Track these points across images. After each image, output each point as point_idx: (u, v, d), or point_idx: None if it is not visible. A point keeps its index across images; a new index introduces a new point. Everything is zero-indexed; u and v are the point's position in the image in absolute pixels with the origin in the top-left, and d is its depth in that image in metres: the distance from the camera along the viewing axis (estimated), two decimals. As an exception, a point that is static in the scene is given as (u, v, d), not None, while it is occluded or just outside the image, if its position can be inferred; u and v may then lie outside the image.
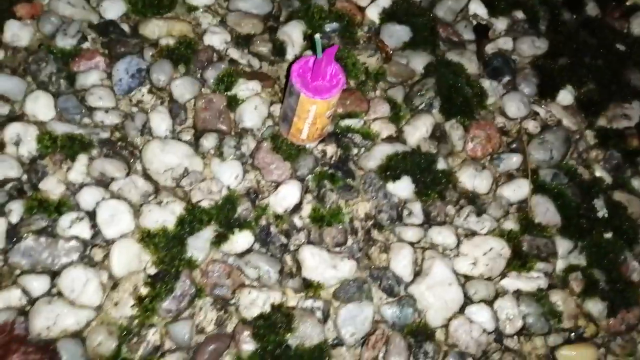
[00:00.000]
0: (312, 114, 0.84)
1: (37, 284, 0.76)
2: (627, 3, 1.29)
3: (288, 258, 0.85)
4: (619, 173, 1.05)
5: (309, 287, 0.83)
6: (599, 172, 1.04)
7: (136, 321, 0.76)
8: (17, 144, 0.85)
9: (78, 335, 0.75)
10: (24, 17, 0.94)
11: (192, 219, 0.83)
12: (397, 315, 0.84)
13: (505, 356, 0.84)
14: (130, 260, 0.79)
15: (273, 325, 0.78)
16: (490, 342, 0.85)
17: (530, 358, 0.86)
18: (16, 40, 0.92)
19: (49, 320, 0.74)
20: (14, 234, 0.79)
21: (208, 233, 0.83)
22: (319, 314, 0.81)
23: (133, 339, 0.75)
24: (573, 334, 0.90)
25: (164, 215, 0.83)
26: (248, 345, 0.77)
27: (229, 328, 0.79)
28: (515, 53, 1.14)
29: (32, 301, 0.76)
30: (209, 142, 0.91)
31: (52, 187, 0.83)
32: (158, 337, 0.76)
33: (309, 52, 1.02)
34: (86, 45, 0.95)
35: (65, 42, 0.93)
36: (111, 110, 0.90)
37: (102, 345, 0.74)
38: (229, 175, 0.89)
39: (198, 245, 0.82)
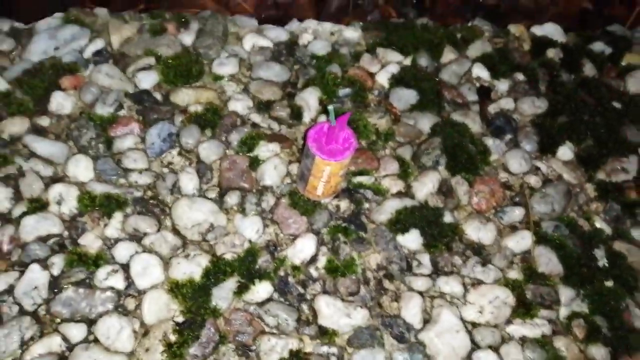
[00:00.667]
0: (327, 174, 0.93)
1: (76, 332, 0.84)
2: (623, 63, 1.38)
3: (305, 307, 0.93)
4: (619, 224, 1.12)
5: (325, 334, 0.90)
6: (599, 224, 1.11)
7: (166, 366, 0.84)
8: (59, 203, 0.95)
9: (113, 379, 0.82)
10: (67, 88, 1.06)
11: (217, 270, 0.92)
12: (408, 361, 0.90)
13: (511, 401, 0.89)
14: (160, 309, 0.88)
15: (291, 370, 0.85)
16: (497, 387, 0.91)
17: (536, 403, 0.91)
18: (60, 109, 1.04)
19: (87, 365, 0.81)
20: (55, 285, 0.88)
21: (231, 284, 0.91)
22: (333, 359, 0.88)
23: (163, 383, 0.82)
24: (578, 379, 0.94)
25: (191, 267, 0.91)
26: (268, 388, 0.83)
27: (251, 373, 0.86)
28: (517, 112, 1.23)
29: (71, 347, 0.84)
30: (232, 199, 1.00)
31: (90, 242, 0.92)
32: (185, 380, 0.83)
33: (323, 117, 1.12)
34: (122, 112, 1.06)
35: (103, 110, 1.05)
36: (144, 171, 1.00)
37: (134, 387, 0.81)
38: (250, 229, 0.97)
39: (222, 295, 0.90)
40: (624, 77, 1.35)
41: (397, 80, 1.21)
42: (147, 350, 0.84)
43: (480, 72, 1.27)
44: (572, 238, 1.07)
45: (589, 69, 1.35)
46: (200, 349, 0.85)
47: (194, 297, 0.89)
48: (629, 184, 1.18)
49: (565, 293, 1.01)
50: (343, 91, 1.17)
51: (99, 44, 1.12)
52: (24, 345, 0.83)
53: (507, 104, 1.23)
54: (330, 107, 0.85)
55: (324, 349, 0.89)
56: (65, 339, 0.84)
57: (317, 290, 0.94)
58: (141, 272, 0.90)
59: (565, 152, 1.19)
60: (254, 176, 1.04)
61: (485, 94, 1.25)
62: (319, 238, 0.99)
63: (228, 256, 0.94)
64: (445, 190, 1.09)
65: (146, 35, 1.15)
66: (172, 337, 0.86)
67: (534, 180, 1.13)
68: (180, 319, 0.88)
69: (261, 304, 0.91)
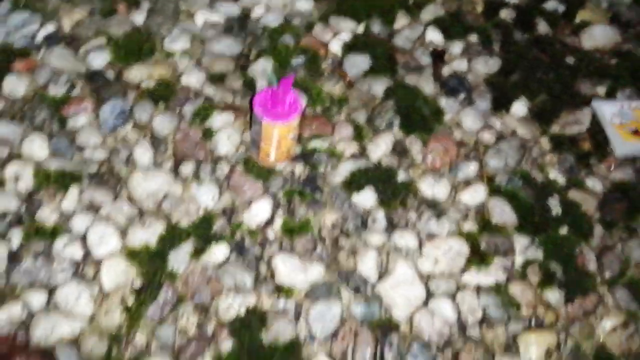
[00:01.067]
0: (276, 138, 0.96)
1: (36, 299, 0.87)
2: (577, 20, 1.41)
3: (262, 267, 0.96)
4: (573, 175, 1.15)
5: (282, 290, 0.93)
6: (552, 175, 1.14)
7: (124, 327, 0.86)
8: (16, 180, 0.97)
9: (73, 342, 0.85)
10: (20, 71, 1.09)
11: (172, 236, 0.94)
12: (364, 313, 0.93)
13: (467, 344, 0.92)
14: (118, 275, 0.90)
15: (248, 325, 0.88)
16: (452, 332, 0.93)
17: (492, 346, 0.94)
18: (14, 92, 1.07)
19: (46, 330, 0.84)
20: (15, 257, 0.91)
21: (187, 247, 0.94)
22: (291, 314, 0.91)
23: (122, 343, 0.85)
24: (533, 321, 0.97)
25: (147, 235, 0.94)
26: (226, 344, 0.86)
27: (209, 330, 0.89)
28: (471, 73, 1.26)
29: (32, 314, 0.86)
30: (187, 169, 1.03)
31: (47, 216, 0.95)
32: (144, 340, 0.86)
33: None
34: (75, 92, 1.09)
35: (56, 91, 1.07)
36: (99, 147, 1.03)
37: (94, 349, 0.84)
38: (206, 197, 1.00)
39: (178, 259, 0.93)
40: (579, 34, 1.38)
41: (350, 48, 1.24)
42: (106, 313, 0.87)
43: (434, 35, 1.30)
44: (525, 189, 1.10)
45: (542, 28, 1.38)
46: (158, 310, 0.88)
47: (150, 263, 0.92)
48: (582, 135, 1.21)
49: (520, 241, 1.04)
50: (296, 60, 1.19)
51: (50, 28, 1.15)
52: (-15, 316, 0.86)
53: (460, 65, 1.26)
54: (269, 71, 0.88)
55: (281, 304, 0.91)
56: (26, 306, 0.87)
57: (274, 251, 0.97)
58: (98, 241, 0.93)
59: (519, 108, 1.22)
60: (208, 146, 1.06)
61: (438, 56, 1.28)
62: (274, 202, 1.02)
63: (184, 222, 0.96)
64: (399, 150, 1.12)
65: (97, 17, 1.17)
66: (130, 300, 0.88)
67: (487, 137, 1.16)
68: (138, 283, 0.90)
69: (218, 266, 0.94)
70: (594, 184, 1.14)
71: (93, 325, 0.87)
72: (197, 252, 0.94)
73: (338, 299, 0.94)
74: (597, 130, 1.22)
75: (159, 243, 0.94)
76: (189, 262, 0.94)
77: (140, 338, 0.86)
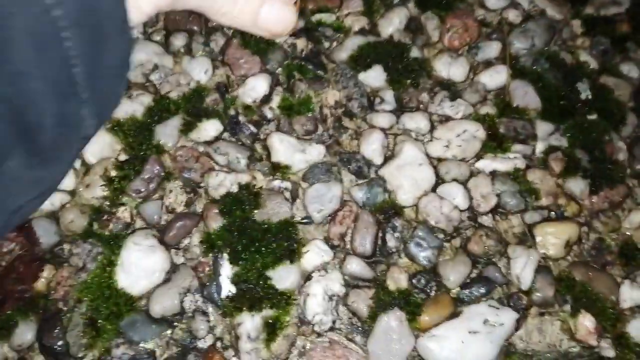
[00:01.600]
0: None
1: (13, 170, 0.81)
2: None
3: (258, 146, 0.89)
4: (607, 59, 1.04)
5: (278, 169, 0.86)
6: (584, 57, 1.03)
7: (107, 201, 0.81)
8: None
9: (53, 216, 0.80)
10: None
11: (161, 108, 0.87)
12: (366, 196, 0.86)
13: (478, 232, 0.86)
14: (102, 148, 0.84)
15: (240, 202, 0.82)
16: (462, 219, 0.87)
17: (506, 235, 0.87)
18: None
19: (23, 201, 0.79)
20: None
21: (176, 121, 0.87)
22: (287, 194, 0.85)
23: (104, 217, 0.80)
24: (553, 212, 0.90)
25: (133, 107, 0.87)
26: (216, 221, 0.81)
27: (198, 208, 0.83)
28: (498, -53, 1.13)
29: (9, 186, 0.81)
30: (179, 41, 0.94)
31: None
32: (128, 215, 0.80)
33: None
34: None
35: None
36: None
37: (74, 222, 0.79)
38: (198, 70, 0.92)
39: (166, 132, 0.86)
40: None
41: None
42: (88, 186, 0.82)
43: None
44: (552, 71, 1.00)
45: None
46: (143, 184, 0.82)
47: (136, 135, 0.85)
48: (621, 17, 1.09)
49: (543, 127, 0.95)
50: None
51: None
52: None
53: (487, -63, 1.13)
54: None
55: (276, 183, 0.85)
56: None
57: (271, 130, 0.90)
58: (80, 112, 0.86)
59: (551, -14, 1.10)
60: (202, 17, 0.97)
61: None
62: (273, 78, 0.93)
63: (173, 94, 0.89)
64: (413, 27, 1.02)
65: None
66: (113, 173, 0.83)
67: (513, 15, 1.05)
68: (122, 157, 0.84)
69: (210, 143, 0.87)
70: (630, 69, 1.03)
71: (74, 199, 0.82)
72: (187, 127, 0.87)
73: (338, 182, 0.87)
74: (637, 12, 1.09)
75: (145, 115, 0.87)
76: (178, 137, 0.87)
77: (123, 213, 0.81)
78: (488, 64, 1.00)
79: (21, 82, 0.27)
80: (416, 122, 0.92)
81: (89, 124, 0.35)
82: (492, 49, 1.01)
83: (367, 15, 1.01)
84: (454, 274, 0.82)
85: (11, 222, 0.34)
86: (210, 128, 0.87)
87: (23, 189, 0.33)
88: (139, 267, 0.76)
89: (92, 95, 0.30)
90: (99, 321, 0.73)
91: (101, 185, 0.81)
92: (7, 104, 0.28)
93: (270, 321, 0.76)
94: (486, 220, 0.88)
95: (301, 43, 0.96)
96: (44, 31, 0.26)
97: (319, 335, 0.77)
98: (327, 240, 0.83)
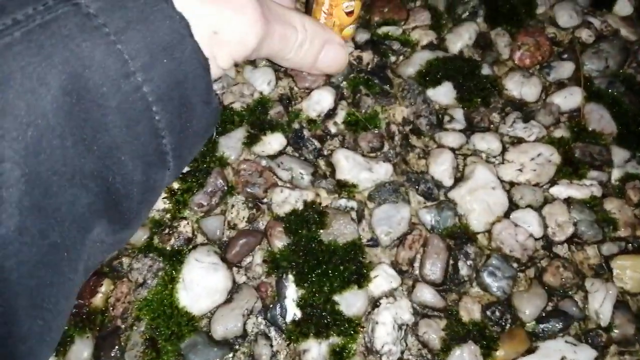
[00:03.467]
0: (327, 1, 0.82)
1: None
2: None
3: (321, 162, 0.86)
4: (685, 83, 1.01)
5: (343, 187, 0.83)
6: (661, 82, 1.00)
7: (168, 214, 0.79)
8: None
9: (111, 227, 0.78)
10: None
11: (224, 119, 0.85)
12: (435, 219, 0.83)
13: (554, 263, 0.82)
14: (162, 158, 0.82)
15: (305, 221, 0.79)
16: (537, 248, 0.83)
17: (582, 267, 0.84)
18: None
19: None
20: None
21: (240, 134, 0.85)
22: (353, 213, 0.82)
23: (165, 231, 0.77)
24: (630, 244, 0.86)
25: (195, 117, 0.85)
26: (280, 240, 0.78)
27: (261, 225, 0.81)
28: (569, -37, 1.10)
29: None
30: (241, 49, 0.92)
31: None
32: (190, 230, 0.78)
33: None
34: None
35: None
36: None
37: (134, 235, 0.76)
38: (261, 81, 0.90)
39: (230, 145, 0.84)
40: None
41: None
42: (147, 198, 0.80)
43: None
44: (628, 95, 0.97)
45: None
46: (205, 198, 0.80)
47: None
48: (698, 40, 1.06)
49: (619, 153, 0.91)
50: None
51: None
52: None
53: (557, -47, 1.11)
54: None
55: (342, 202, 0.82)
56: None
57: (335, 146, 0.88)
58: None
59: (624, 6, 1.07)
60: (265, 25, 0.95)
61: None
62: (337, 92, 0.91)
63: (236, 105, 0.87)
64: (483, 44, 0.99)
65: None
66: (175, 185, 0.80)
67: (585, 35, 1.02)
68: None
69: (273, 157, 0.85)
70: None
71: (133, 210, 0.79)
72: (251, 140, 0.85)
73: (406, 203, 0.84)
74: None
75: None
76: (242, 150, 0.85)
77: (185, 228, 0.78)
78: (561, 84, 0.97)
79: (112, 157, 0.27)
80: (488, 142, 0.89)
81: (169, 182, 0.36)
82: (564, 69, 0.98)
83: (435, 30, 0.98)
84: (530, 306, 0.78)
85: (87, 276, 0.34)
86: (274, 142, 0.85)
87: (105, 251, 0.34)
88: (201, 285, 0.74)
89: (178, 161, 0.31)
90: (160, 341, 0.71)
91: (163, 198, 0.79)
92: (97, 179, 0.28)
93: (337, 349, 0.73)
94: (561, 250, 0.85)
95: (367, 56, 0.94)
96: (134, 107, 0.27)
97: (387, 366, 0.74)
98: (394, 264, 0.80)
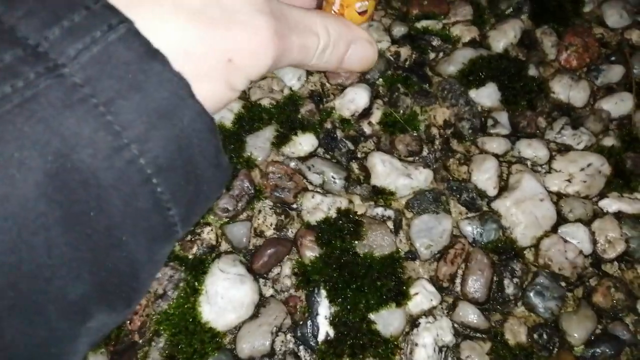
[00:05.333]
0: (338, 0, 0.77)
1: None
2: None
3: (354, 166, 0.81)
4: None
5: (379, 194, 0.78)
6: None
7: (190, 219, 0.73)
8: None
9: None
10: None
11: (252, 116, 0.80)
12: (478, 232, 0.78)
13: (604, 282, 0.77)
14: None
15: (339, 230, 0.74)
16: (586, 266, 0.78)
17: (632, 287, 0.79)
18: None
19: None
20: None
21: (269, 133, 0.79)
22: (389, 223, 0.77)
23: (187, 238, 0.72)
24: (685, 264, 0.81)
25: (221, 113, 0.80)
26: (312, 251, 0.73)
27: (290, 233, 0.75)
28: (617, -42, 1.05)
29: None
30: (269, 40, 0.87)
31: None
32: (213, 236, 0.73)
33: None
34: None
35: None
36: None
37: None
38: (291, 76, 0.85)
39: (258, 145, 0.78)
40: None
41: None
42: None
43: None
44: (683, 103, 0.91)
45: None
46: (231, 202, 0.74)
47: (225, 145, 0.77)
48: None
49: (673, 165, 0.86)
50: None
51: None
52: None
53: (606, -53, 1.05)
54: None
55: (379, 210, 0.77)
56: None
57: (369, 148, 0.82)
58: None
59: (677, 6, 1.02)
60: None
61: None
62: (373, 90, 0.86)
63: (265, 102, 0.82)
64: (528, 42, 0.94)
65: None
66: (198, 187, 0.75)
67: (635, 36, 0.97)
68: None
69: (303, 159, 0.80)
70: None
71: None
72: (280, 140, 0.79)
73: (447, 213, 0.79)
74: None
75: (235, 124, 0.80)
76: (270, 150, 0.79)
77: (209, 234, 0.73)
78: (609, 89, 0.92)
79: (111, 238, 0.26)
80: (534, 150, 0.84)
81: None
82: (614, 73, 0.92)
83: (477, 25, 0.93)
84: (579, 330, 0.73)
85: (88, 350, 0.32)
86: (305, 142, 0.80)
87: (106, 330, 0.31)
88: (226, 298, 0.69)
89: (186, 227, 0.29)
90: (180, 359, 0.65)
91: (186, 201, 0.74)
92: (93, 267, 0.26)
93: (374, 372, 0.68)
94: (610, 268, 0.80)
95: (405, 52, 0.89)
96: (131, 182, 0.25)
97: (426, 391, 0.69)
98: (434, 280, 0.75)
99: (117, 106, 0.24)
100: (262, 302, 0.71)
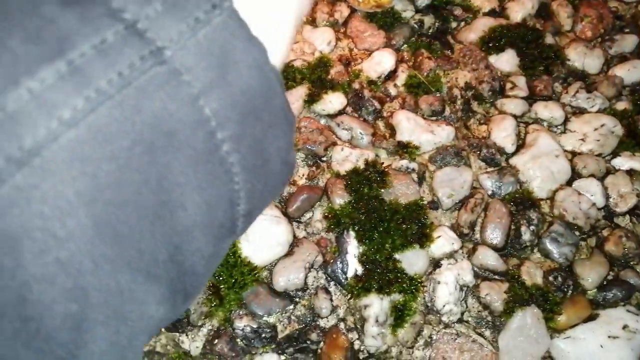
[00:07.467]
0: None
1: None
2: None
3: (380, 124, 0.88)
4: None
5: (404, 148, 0.85)
6: None
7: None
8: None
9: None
10: None
11: (285, 76, 0.87)
12: (497, 185, 0.85)
13: (616, 233, 0.83)
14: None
15: (367, 179, 0.81)
16: (599, 218, 0.85)
17: (643, 239, 0.85)
18: None
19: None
20: None
21: (301, 91, 0.87)
22: (414, 175, 0.84)
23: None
24: (693, 220, 0.87)
25: (256, 72, 0.87)
26: (341, 197, 0.80)
27: (320, 183, 0.83)
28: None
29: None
30: (301, 8, 0.94)
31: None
32: (251, 182, 0.80)
33: None
34: None
35: None
36: None
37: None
38: (321, 40, 0.92)
39: (291, 102, 0.85)
40: None
41: None
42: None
43: None
44: (694, 71, 0.98)
45: None
46: (267, 152, 0.82)
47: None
48: None
49: (683, 128, 0.92)
50: None
51: None
52: None
53: None
54: None
55: (404, 162, 0.84)
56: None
57: (395, 108, 0.89)
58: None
59: (689, -18, 1.08)
60: (326, -14, 0.97)
61: None
62: (398, 55, 0.93)
63: (297, 63, 0.89)
64: (544, 14, 1.00)
65: None
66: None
67: (650, 9, 1.03)
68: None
69: (333, 116, 0.87)
70: None
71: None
72: (312, 98, 0.87)
73: (468, 167, 0.86)
74: None
75: (269, 82, 0.87)
76: (302, 107, 0.87)
77: (245, 180, 0.80)
78: (623, 58, 0.98)
79: (187, 235, 0.25)
80: (550, 111, 0.90)
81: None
82: (627, 42, 0.99)
83: (496, -3, 1.00)
84: (592, 274, 0.80)
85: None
86: (335, 101, 0.87)
87: (162, 326, 0.30)
88: (263, 237, 0.76)
89: (246, 225, 0.28)
90: (223, 289, 0.73)
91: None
92: (168, 265, 0.25)
93: (399, 306, 0.74)
94: (622, 221, 0.86)
95: (428, 20, 0.96)
96: (217, 183, 0.25)
97: (447, 326, 0.76)
98: (455, 227, 0.82)
99: (212, 99, 0.23)
100: (295, 242, 0.78)
